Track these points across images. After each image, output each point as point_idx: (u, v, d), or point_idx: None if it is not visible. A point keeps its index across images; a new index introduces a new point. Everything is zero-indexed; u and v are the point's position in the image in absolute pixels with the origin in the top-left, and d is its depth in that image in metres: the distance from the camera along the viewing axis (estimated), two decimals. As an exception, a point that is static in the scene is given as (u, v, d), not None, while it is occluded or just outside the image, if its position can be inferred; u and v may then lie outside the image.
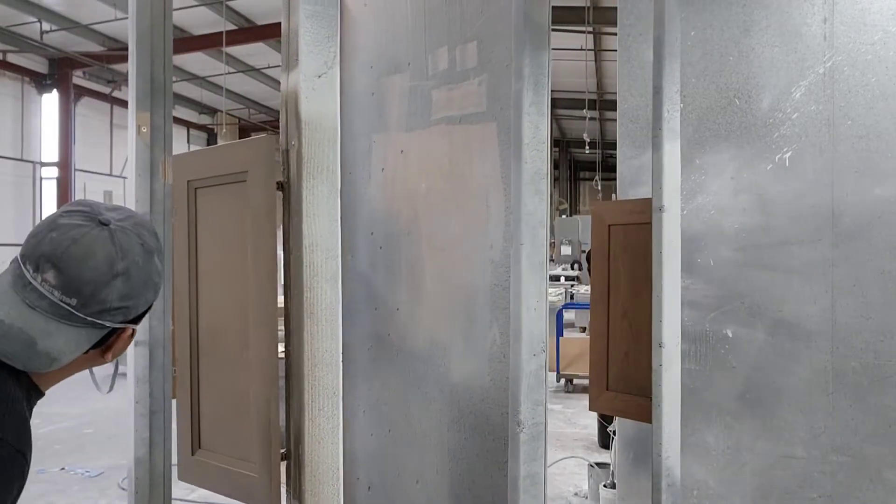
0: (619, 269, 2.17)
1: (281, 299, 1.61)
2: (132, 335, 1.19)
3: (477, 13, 2.36)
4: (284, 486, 1.59)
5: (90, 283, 1.07)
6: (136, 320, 1.17)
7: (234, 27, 13.97)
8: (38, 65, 16.78)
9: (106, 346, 1.15)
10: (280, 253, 1.63)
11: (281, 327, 1.61)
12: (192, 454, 1.82)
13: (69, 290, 1.06)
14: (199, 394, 1.81)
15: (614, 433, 3.31)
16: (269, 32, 13.94)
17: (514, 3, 2.04)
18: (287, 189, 1.60)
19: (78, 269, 1.07)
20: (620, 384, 2.15)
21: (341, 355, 2.99)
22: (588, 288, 13.75)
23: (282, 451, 1.59)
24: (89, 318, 1.08)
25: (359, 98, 2.94)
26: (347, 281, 2.99)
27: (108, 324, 1.10)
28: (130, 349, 2.26)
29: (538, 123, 2.02)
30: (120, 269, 1.10)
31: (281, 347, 1.64)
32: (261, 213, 1.58)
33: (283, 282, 1.78)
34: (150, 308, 1.20)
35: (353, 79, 2.97)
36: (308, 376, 1.56)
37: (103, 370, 1.37)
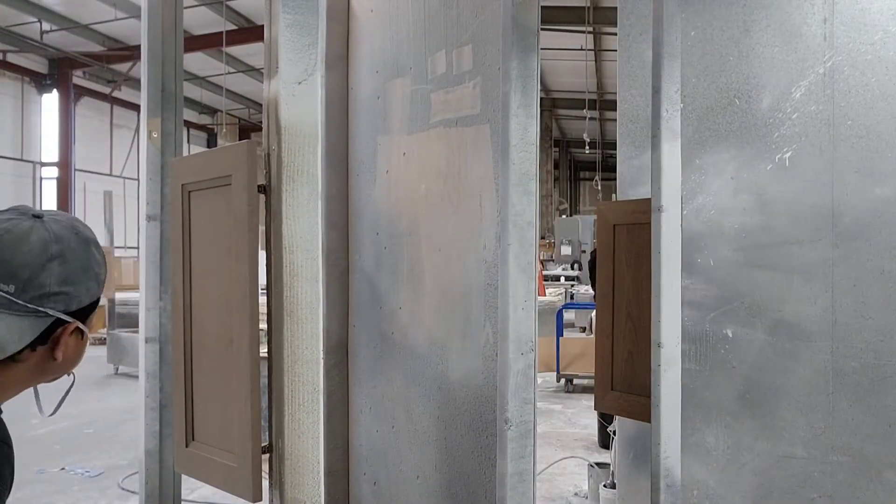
0: (623, 269, 2.18)
1: (264, 300, 1.64)
2: (84, 338, 1.17)
3: (472, 16, 2.36)
4: (268, 477, 1.62)
5: (26, 267, 1.08)
6: (81, 315, 1.16)
7: (234, 27, 13.98)
8: (38, 65, 16.79)
9: (52, 340, 1.13)
10: (263, 254, 1.67)
11: (263, 325, 1.64)
12: (187, 446, 1.87)
13: (4, 276, 1.07)
14: (192, 389, 1.85)
15: (614, 433, 3.31)
16: (269, 32, 13.94)
17: (502, 6, 2.04)
18: (268, 192, 1.63)
19: (11, 254, 1.08)
20: (625, 384, 2.15)
21: (347, 351, 3.00)
22: (588, 288, 13.78)
23: (264, 444, 1.63)
24: (30, 306, 1.08)
25: (365, 102, 2.95)
26: (355, 281, 3.00)
27: (50, 311, 1.10)
28: (141, 346, 2.28)
29: (526, 125, 2.03)
30: (55, 251, 1.11)
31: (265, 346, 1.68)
32: (243, 215, 1.62)
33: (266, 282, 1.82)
34: (96, 304, 1.19)
35: (360, 84, 2.98)
36: (288, 372, 1.59)
37: (51, 394, 1.33)
